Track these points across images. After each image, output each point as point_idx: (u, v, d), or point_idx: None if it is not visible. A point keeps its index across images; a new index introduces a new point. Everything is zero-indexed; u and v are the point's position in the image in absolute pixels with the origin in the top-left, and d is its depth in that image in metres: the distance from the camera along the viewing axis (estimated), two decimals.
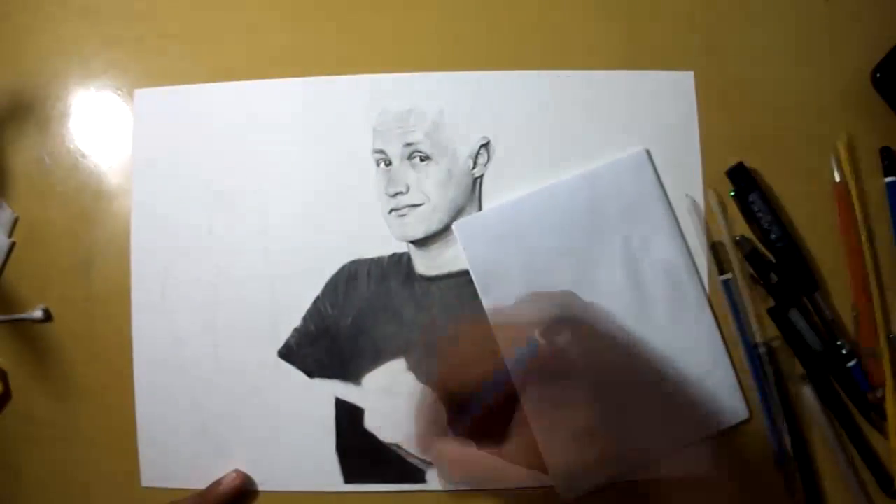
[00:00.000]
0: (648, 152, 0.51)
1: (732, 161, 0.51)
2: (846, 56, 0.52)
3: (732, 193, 0.50)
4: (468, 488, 0.44)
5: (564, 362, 0.40)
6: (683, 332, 0.49)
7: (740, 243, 0.50)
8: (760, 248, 0.50)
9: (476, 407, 0.40)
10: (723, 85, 0.52)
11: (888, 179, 0.50)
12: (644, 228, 0.50)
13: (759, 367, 0.49)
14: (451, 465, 0.41)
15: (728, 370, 0.49)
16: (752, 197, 0.50)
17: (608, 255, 0.50)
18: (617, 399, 0.42)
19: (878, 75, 0.51)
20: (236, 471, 0.50)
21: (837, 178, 0.50)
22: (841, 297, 0.50)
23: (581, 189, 0.50)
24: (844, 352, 0.49)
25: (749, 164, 0.50)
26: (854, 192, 0.50)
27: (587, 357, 0.41)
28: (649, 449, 0.42)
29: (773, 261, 0.50)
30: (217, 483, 0.49)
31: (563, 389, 0.40)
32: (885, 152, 0.51)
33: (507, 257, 0.49)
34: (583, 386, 0.40)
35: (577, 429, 0.40)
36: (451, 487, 0.49)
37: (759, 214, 0.49)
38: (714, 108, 0.51)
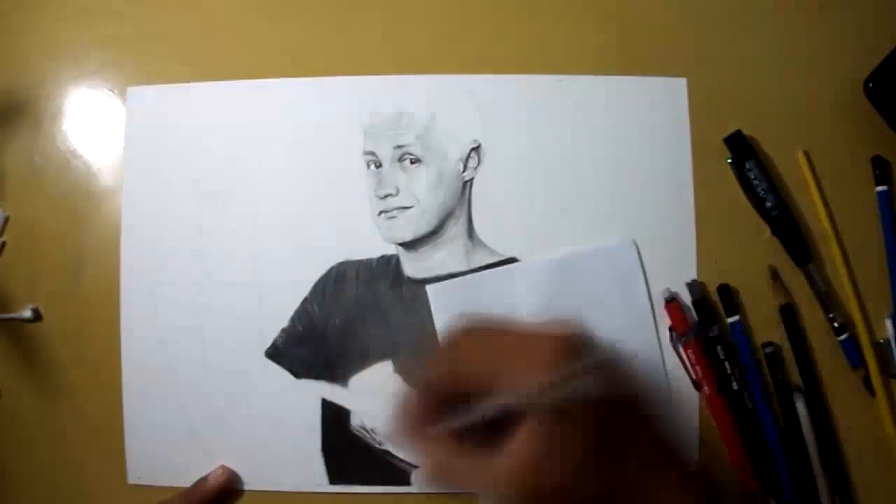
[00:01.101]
0: (636, 243, 0.50)
1: (724, 169, 0.51)
2: (839, 65, 0.52)
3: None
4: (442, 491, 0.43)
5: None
6: None
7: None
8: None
9: (473, 414, 0.39)
10: (715, 92, 0.51)
11: (879, 189, 0.50)
12: (616, 323, 0.50)
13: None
14: (432, 465, 0.41)
15: None
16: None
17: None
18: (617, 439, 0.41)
19: (870, 85, 0.50)
20: (222, 467, 0.50)
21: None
22: (834, 269, 0.50)
23: (559, 272, 0.50)
24: (836, 325, 0.49)
25: None
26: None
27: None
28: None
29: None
30: (203, 480, 0.49)
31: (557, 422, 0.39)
32: (877, 161, 0.50)
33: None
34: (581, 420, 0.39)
35: (566, 467, 0.39)
36: (426, 487, 0.49)
37: (755, 182, 0.49)
38: (706, 114, 0.51)
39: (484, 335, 0.40)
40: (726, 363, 0.49)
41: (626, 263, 0.50)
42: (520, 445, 0.39)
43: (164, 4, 0.54)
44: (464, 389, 0.39)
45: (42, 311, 0.52)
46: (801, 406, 0.49)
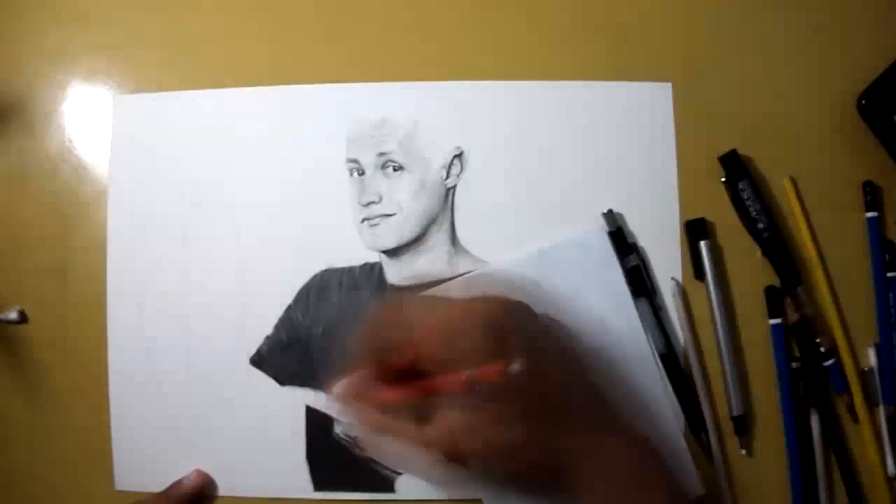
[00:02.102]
0: (604, 229, 0.50)
1: (710, 174, 0.50)
2: (831, 81, 0.51)
3: (723, 180, 0.50)
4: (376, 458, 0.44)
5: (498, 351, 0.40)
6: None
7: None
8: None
9: (408, 383, 0.41)
10: (701, 97, 0.51)
11: (869, 215, 0.50)
12: (596, 311, 0.49)
13: None
14: (365, 427, 0.42)
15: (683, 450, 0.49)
16: (743, 185, 0.49)
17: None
18: (554, 396, 0.42)
19: (863, 102, 0.50)
20: (197, 470, 0.50)
21: None
22: (823, 294, 0.50)
23: (533, 269, 0.50)
24: (823, 350, 0.49)
25: None
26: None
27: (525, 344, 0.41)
28: (580, 460, 0.41)
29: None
30: (178, 483, 0.50)
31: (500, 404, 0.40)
32: (868, 187, 0.50)
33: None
34: (521, 399, 0.40)
35: (499, 417, 0.40)
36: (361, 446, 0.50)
37: (748, 203, 0.49)
38: (692, 119, 0.51)
39: (422, 309, 0.41)
40: None
41: (598, 250, 0.50)
42: (451, 413, 0.40)
43: (157, 13, 0.54)
44: (404, 359, 0.41)
45: (28, 315, 0.52)
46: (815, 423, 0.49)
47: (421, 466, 0.42)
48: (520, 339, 0.40)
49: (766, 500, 0.49)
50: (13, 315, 0.52)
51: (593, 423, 0.42)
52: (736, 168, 0.49)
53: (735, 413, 0.49)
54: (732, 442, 0.49)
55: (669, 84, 0.51)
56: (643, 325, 0.49)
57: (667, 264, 0.50)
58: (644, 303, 0.49)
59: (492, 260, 0.51)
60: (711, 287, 0.49)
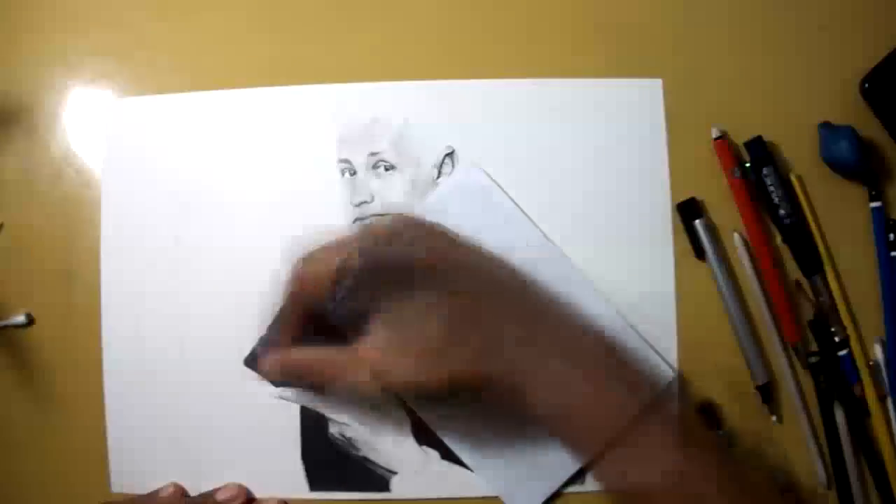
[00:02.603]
0: (484, 170, 0.50)
1: (702, 170, 0.50)
2: (832, 66, 0.51)
3: (748, 164, 0.49)
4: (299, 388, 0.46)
5: (401, 269, 0.40)
6: None
7: None
8: None
9: (320, 314, 0.41)
10: (692, 93, 0.51)
11: (873, 205, 0.49)
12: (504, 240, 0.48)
13: None
14: (297, 369, 0.43)
15: (638, 340, 0.49)
16: (767, 170, 0.49)
17: None
18: (473, 310, 0.41)
19: (866, 86, 0.49)
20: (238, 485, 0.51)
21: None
22: (846, 283, 0.49)
23: None
24: (837, 339, 0.49)
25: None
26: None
27: (433, 259, 0.41)
28: (514, 372, 0.40)
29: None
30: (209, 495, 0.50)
31: (406, 302, 0.40)
32: (871, 179, 0.49)
33: None
34: (430, 296, 0.40)
35: (423, 349, 0.40)
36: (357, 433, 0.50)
37: (771, 188, 0.49)
38: (683, 118, 0.50)
39: (309, 259, 0.43)
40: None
41: (479, 187, 0.50)
42: (372, 334, 0.41)
43: (154, 17, 0.54)
44: (307, 304, 0.42)
45: (34, 317, 0.53)
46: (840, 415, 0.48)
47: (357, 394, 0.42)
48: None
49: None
50: (21, 318, 0.53)
51: (533, 320, 0.41)
52: (760, 154, 0.49)
53: (760, 382, 0.49)
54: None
55: (660, 80, 0.51)
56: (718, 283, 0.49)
57: (660, 254, 0.50)
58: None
59: None
60: (714, 263, 0.49)
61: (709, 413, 0.49)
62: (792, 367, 0.49)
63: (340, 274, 0.39)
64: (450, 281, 0.41)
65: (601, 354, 0.42)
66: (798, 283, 0.50)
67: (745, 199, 0.49)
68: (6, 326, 0.53)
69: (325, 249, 0.43)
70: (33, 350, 0.53)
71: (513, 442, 0.48)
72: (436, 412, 0.49)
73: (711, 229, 0.50)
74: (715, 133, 0.49)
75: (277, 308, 0.44)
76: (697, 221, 0.49)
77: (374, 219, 0.41)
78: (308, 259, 0.43)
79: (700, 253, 0.49)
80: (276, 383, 0.50)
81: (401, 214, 0.43)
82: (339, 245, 0.42)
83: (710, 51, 0.51)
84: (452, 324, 0.40)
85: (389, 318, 0.40)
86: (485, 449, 0.49)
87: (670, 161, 0.50)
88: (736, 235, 0.49)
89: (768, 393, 0.49)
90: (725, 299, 0.49)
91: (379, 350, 0.40)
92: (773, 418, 0.49)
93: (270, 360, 0.44)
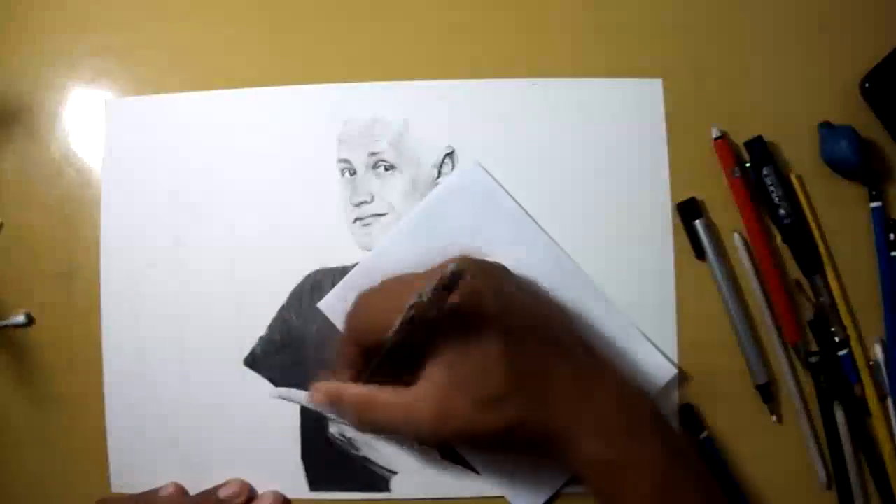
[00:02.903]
0: (481, 165, 0.50)
1: (702, 170, 0.50)
2: (832, 66, 0.51)
3: (748, 164, 0.49)
4: (372, 434, 0.44)
5: (470, 316, 0.40)
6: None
7: None
8: None
9: (381, 353, 0.41)
10: (692, 93, 0.51)
11: (873, 205, 0.49)
12: (500, 241, 0.49)
13: None
14: (351, 406, 0.42)
15: (640, 338, 0.49)
16: (767, 170, 0.49)
17: None
18: (535, 359, 0.41)
19: (867, 85, 0.49)
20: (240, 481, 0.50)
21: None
22: (846, 283, 0.49)
23: (424, 224, 0.50)
24: (837, 339, 0.49)
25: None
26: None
27: (498, 306, 0.40)
28: (558, 411, 0.40)
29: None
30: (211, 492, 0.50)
31: (471, 346, 0.40)
32: (871, 178, 0.49)
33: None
34: (493, 342, 0.40)
35: (483, 395, 0.39)
36: (357, 433, 0.50)
37: (772, 188, 0.49)
38: (683, 118, 0.50)
39: (374, 293, 0.42)
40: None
41: (480, 185, 0.50)
42: (429, 377, 0.40)
43: (146, 16, 0.54)
44: (369, 340, 0.42)
45: (34, 317, 0.53)
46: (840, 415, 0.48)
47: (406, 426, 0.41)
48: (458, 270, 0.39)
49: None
50: (21, 318, 0.53)
51: (591, 375, 0.41)
52: (760, 154, 0.49)
53: (760, 382, 0.49)
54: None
55: (660, 80, 0.51)
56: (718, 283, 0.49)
57: (660, 254, 0.50)
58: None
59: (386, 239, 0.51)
60: (714, 263, 0.49)
61: (690, 417, 0.49)
62: (792, 367, 0.49)
63: (404, 312, 0.39)
64: (514, 329, 0.40)
65: (647, 415, 0.42)
66: (798, 283, 0.50)
67: (745, 199, 0.49)
68: (6, 326, 0.53)
69: (390, 284, 0.42)
70: (33, 350, 0.53)
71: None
72: (478, 455, 0.48)
73: (711, 229, 0.50)
74: (715, 133, 0.49)
75: (337, 336, 0.43)
76: (697, 221, 0.49)
77: (445, 261, 0.40)
78: (372, 293, 0.43)
79: (700, 253, 0.50)
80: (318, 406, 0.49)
81: (468, 258, 0.42)
82: (404, 282, 0.41)
83: (711, 51, 0.51)
84: (514, 372, 0.40)
85: (449, 361, 0.40)
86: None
87: (670, 161, 0.50)
88: (736, 235, 0.49)
89: (768, 393, 0.49)
90: (725, 299, 0.49)
91: (437, 395, 0.40)
92: (773, 418, 0.49)
93: (325, 387, 0.43)
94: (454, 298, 0.39)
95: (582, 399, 0.40)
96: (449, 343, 0.40)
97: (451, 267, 0.37)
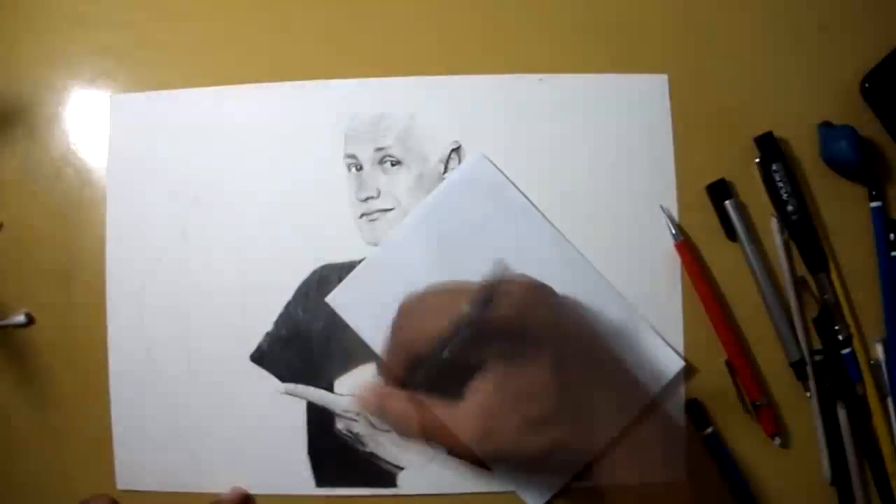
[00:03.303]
0: (486, 157, 0.50)
1: (708, 167, 0.50)
2: (832, 66, 0.51)
3: (757, 161, 0.50)
4: (418, 442, 0.43)
5: (520, 334, 0.40)
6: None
7: None
8: None
9: (429, 364, 0.40)
10: (698, 91, 0.51)
11: (873, 205, 0.50)
12: (506, 238, 0.50)
13: None
14: (395, 417, 0.42)
15: (647, 330, 0.49)
16: (776, 166, 0.49)
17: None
18: (581, 382, 0.41)
19: (867, 85, 0.50)
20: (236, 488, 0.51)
21: (674, 239, 0.50)
22: (848, 282, 0.50)
23: (434, 215, 0.50)
24: (841, 338, 0.49)
25: (728, 176, 0.50)
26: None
27: (548, 325, 0.40)
28: (597, 433, 0.41)
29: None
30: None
31: (520, 365, 0.40)
32: (871, 178, 0.50)
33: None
34: (543, 363, 0.40)
35: (531, 416, 0.39)
36: (364, 429, 0.50)
37: (780, 184, 0.49)
38: (689, 114, 0.51)
39: (420, 302, 0.41)
40: None
41: (486, 178, 0.50)
42: (477, 392, 0.40)
43: (153, 13, 0.54)
44: (417, 350, 0.41)
45: (34, 317, 0.53)
46: (842, 415, 0.49)
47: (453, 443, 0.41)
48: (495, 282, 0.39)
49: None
50: (20, 318, 0.52)
51: (628, 407, 0.42)
52: (771, 149, 0.50)
53: (794, 358, 0.49)
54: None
55: (666, 76, 0.51)
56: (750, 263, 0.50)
57: (664, 252, 0.50)
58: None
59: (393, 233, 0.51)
60: (745, 243, 0.49)
61: (696, 412, 0.49)
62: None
63: (454, 323, 0.38)
64: (562, 350, 0.40)
65: (680, 442, 0.43)
66: (804, 280, 0.50)
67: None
68: (6, 326, 0.52)
69: (439, 294, 0.42)
70: (33, 350, 0.52)
71: None
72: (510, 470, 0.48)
73: (743, 209, 0.50)
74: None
75: (385, 342, 0.42)
76: (728, 202, 0.49)
77: (494, 278, 0.40)
78: (420, 301, 0.42)
79: (731, 234, 0.50)
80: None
81: (524, 280, 0.42)
82: (454, 292, 0.40)
83: (716, 48, 0.52)
84: (562, 394, 0.40)
85: (498, 378, 0.40)
86: None
87: (676, 154, 0.51)
88: (773, 220, 0.50)
89: (802, 370, 0.49)
90: (758, 276, 0.49)
91: (483, 413, 0.40)
92: (808, 394, 0.49)
93: (370, 394, 0.42)
94: (508, 312, 0.39)
95: (618, 423, 0.41)
96: (498, 359, 0.40)
97: (489, 279, 0.37)
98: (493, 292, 0.38)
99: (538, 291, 0.42)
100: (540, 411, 0.39)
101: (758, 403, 0.49)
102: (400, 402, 0.42)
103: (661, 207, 0.50)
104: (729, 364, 0.49)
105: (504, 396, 0.40)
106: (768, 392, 0.50)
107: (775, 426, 0.49)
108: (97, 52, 0.54)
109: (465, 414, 0.40)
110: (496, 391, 0.40)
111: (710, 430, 0.49)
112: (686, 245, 0.50)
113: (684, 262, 0.50)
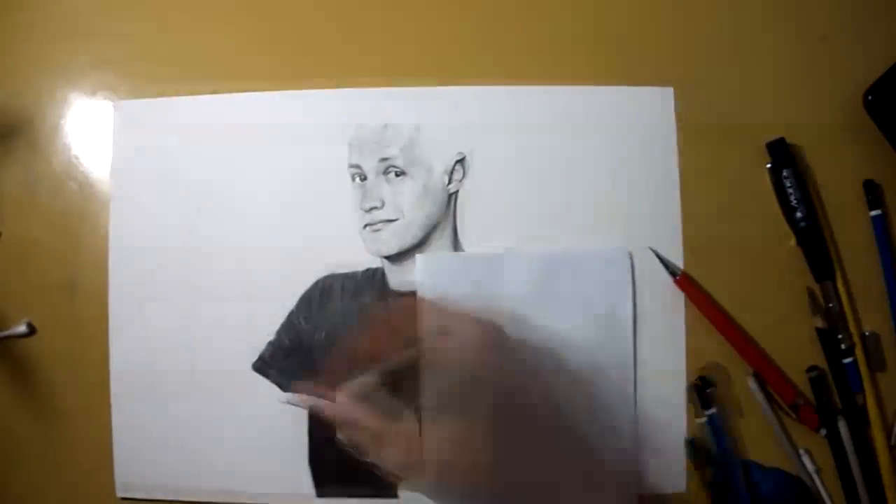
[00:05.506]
0: (631, 256, 0.50)
1: (713, 175, 0.51)
2: (834, 78, 0.51)
3: (769, 166, 0.50)
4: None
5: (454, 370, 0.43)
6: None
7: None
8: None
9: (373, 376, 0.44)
10: (703, 103, 0.51)
11: (873, 213, 0.50)
12: (595, 329, 0.50)
13: None
14: (339, 419, 0.46)
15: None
16: (786, 172, 0.49)
17: (558, 335, 0.50)
18: (516, 429, 0.44)
19: (869, 98, 0.50)
20: None
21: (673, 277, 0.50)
22: (853, 289, 0.50)
23: (549, 266, 0.50)
24: (843, 347, 0.49)
25: (732, 186, 0.51)
26: None
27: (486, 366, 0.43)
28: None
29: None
30: None
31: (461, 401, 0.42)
32: (869, 186, 0.50)
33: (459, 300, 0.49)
34: (482, 403, 0.42)
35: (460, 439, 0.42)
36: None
37: (790, 191, 0.49)
38: (694, 126, 0.51)
39: (392, 320, 0.46)
40: None
41: (617, 272, 0.50)
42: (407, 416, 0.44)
43: (156, 23, 0.54)
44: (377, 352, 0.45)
45: (36, 327, 0.53)
46: (843, 429, 0.49)
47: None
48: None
49: None
50: (22, 328, 0.52)
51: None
52: (782, 155, 0.50)
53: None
54: None
55: (671, 88, 0.51)
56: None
57: (670, 258, 0.50)
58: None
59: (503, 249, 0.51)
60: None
61: (702, 390, 0.49)
62: None
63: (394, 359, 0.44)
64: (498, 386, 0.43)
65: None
66: (810, 291, 0.50)
67: None
68: (7, 336, 0.52)
69: (399, 318, 0.46)
70: (35, 360, 0.52)
71: None
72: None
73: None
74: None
75: (340, 345, 0.46)
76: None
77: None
78: (383, 320, 0.45)
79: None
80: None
81: (466, 316, 0.46)
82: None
83: (722, 60, 0.52)
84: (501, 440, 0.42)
85: (435, 412, 0.43)
86: None
87: (680, 166, 0.51)
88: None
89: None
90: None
91: (409, 436, 0.43)
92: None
93: (308, 392, 0.47)
94: (451, 352, 0.43)
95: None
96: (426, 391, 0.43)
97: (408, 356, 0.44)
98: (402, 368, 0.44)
99: (488, 335, 0.43)
100: (479, 454, 0.43)
101: (798, 403, 0.49)
102: (339, 405, 0.46)
103: (652, 250, 0.50)
104: (756, 375, 0.49)
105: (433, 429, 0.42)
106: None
107: (817, 420, 0.49)
108: (98, 64, 0.54)
109: (395, 434, 0.44)
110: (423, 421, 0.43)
111: (711, 410, 0.49)
112: (686, 279, 0.50)
113: (688, 296, 0.50)
